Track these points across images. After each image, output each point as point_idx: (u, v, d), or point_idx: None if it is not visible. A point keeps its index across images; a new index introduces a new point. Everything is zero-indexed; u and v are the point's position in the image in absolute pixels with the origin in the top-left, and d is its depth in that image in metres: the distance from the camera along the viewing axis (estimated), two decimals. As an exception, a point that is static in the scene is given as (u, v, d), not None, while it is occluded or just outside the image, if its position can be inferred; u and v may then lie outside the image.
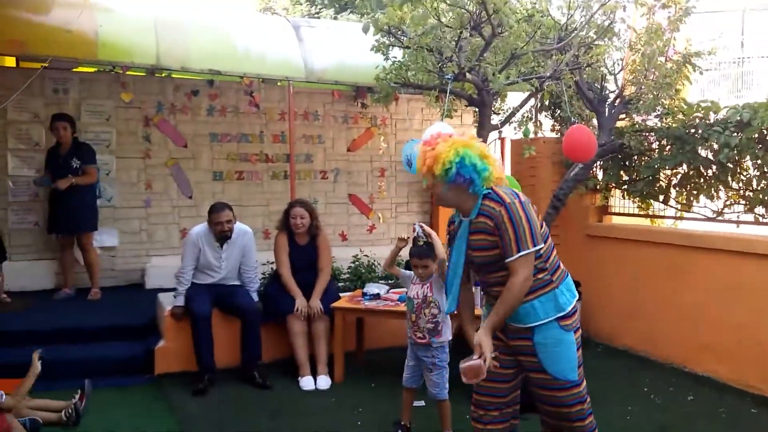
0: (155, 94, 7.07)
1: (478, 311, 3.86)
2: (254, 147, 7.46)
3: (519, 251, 2.78)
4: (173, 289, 5.30)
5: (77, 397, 4.20)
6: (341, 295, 5.46)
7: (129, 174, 7.01)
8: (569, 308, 2.92)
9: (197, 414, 4.42)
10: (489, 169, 2.89)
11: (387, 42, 5.48)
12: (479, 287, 4.81)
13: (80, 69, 6.83)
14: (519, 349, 2.96)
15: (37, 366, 4.16)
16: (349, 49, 6.39)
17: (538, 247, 2.83)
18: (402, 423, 4.08)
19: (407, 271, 4.24)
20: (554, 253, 2.98)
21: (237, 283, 5.35)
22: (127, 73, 6.75)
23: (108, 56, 5.72)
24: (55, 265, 6.66)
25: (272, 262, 5.54)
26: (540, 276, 2.88)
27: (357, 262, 6.26)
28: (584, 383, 2.97)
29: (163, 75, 7.01)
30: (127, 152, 7.00)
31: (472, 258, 2.96)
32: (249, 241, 5.35)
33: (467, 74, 5.24)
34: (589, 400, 2.99)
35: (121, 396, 4.73)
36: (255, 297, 5.36)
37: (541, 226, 2.94)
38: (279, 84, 7.21)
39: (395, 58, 5.59)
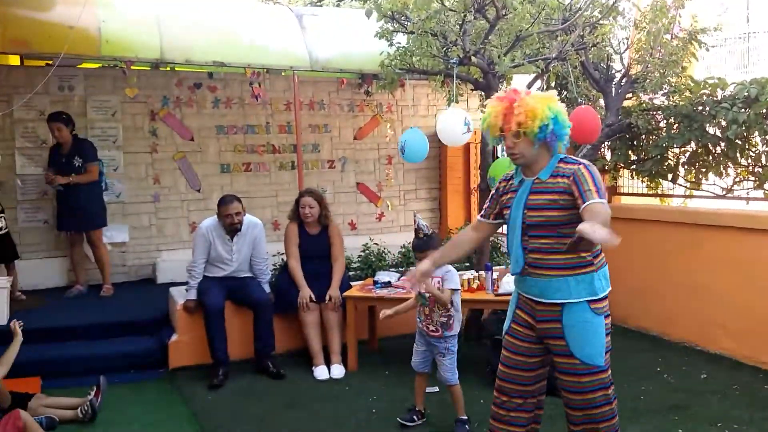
0: (160, 89, 7.06)
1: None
2: (261, 138, 7.46)
3: (600, 198, 2.72)
4: (185, 283, 5.32)
5: (92, 393, 4.23)
6: (352, 284, 5.47)
7: (137, 169, 7.02)
8: (602, 294, 2.89)
9: (212, 406, 4.45)
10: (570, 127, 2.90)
11: (391, 28, 5.45)
12: (490, 271, 4.86)
13: (85, 65, 6.82)
14: (547, 332, 2.93)
15: (19, 333, 4.17)
16: (353, 37, 6.35)
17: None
18: (417, 409, 4.10)
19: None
20: None
21: (249, 275, 5.36)
22: (132, 67, 6.76)
23: (112, 52, 5.70)
24: (66, 262, 6.69)
25: (283, 253, 5.55)
26: (583, 255, 2.84)
27: (367, 251, 6.26)
28: (609, 371, 2.94)
29: (168, 69, 7.00)
30: (134, 147, 7.00)
31: (525, 218, 2.90)
32: (259, 233, 5.36)
33: (472, 58, 5.20)
34: (613, 387, 2.96)
35: (136, 391, 4.76)
36: (267, 288, 5.37)
37: None
38: (283, 74, 7.19)
39: (399, 44, 5.55)
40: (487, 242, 5.64)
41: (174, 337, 5.20)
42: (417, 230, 4.04)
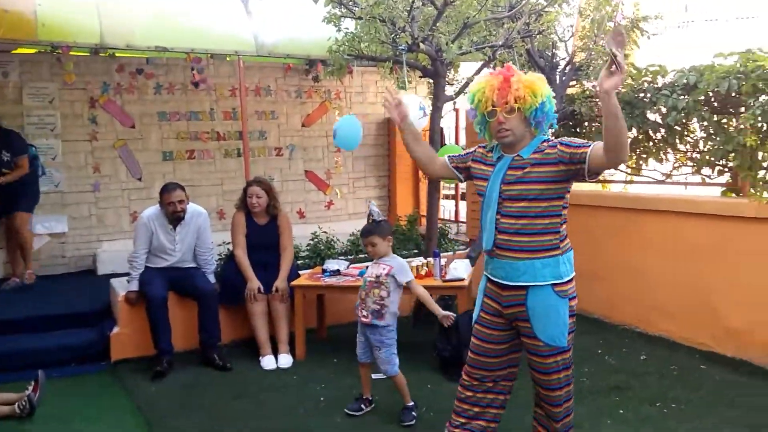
0: (100, 74, 6.85)
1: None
2: (205, 125, 7.31)
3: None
4: (126, 274, 5.18)
5: (31, 388, 4.08)
6: (301, 272, 5.42)
7: (76, 158, 6.80)
8: (566, 278, 2.94)
9: (156, 398, 4.36)
10: None
11: (339, 13, 5.38)
12: (438, 258, 4.88)
13: (20, 50, 6.55)
14: (514, 316, 2.98)
15: None
16: (300, 22, 6.25)
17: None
18: (364, 397, 4.09)
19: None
20: (566, 224, 2.99)
21: (193, 265, 5.25)
22: (70, 53, 6.52)
23: (48, 36, 5.48)
24: (2, 254, 6.46)
25: (228, 243, 5.46)
26: (550, 238, 2.89)
27: (316, 239, 6.22)
28: (571, 351, 3.01)
29: (107, 54, 6.79)
30: (73, 135, 6.78)
31: (501, 192, 2.91)
32: (203, 222, 5.25)
33: (421, 45, 5.19)
34: (573, 368, 3.04)
35: (76, 385, 4.63)
36: (212, 279, 5.27)
37: None
38: (228, 59, 7.06)
39: (347, 29, 5.49)
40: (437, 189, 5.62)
41: (115, 329, 5.07)
42: (369, 215, 4.05)
